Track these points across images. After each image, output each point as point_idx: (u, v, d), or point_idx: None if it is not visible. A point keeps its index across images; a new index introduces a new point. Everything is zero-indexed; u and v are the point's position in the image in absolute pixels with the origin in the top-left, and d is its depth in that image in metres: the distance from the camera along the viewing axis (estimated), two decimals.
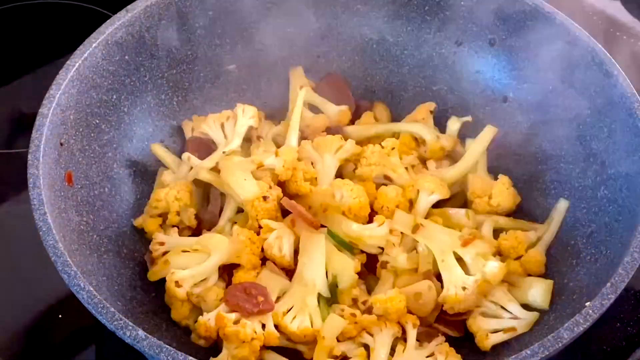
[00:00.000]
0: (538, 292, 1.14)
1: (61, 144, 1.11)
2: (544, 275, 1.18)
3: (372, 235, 1.16)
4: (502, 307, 1.14)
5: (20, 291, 1.23)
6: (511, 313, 1.13)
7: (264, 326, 1.08)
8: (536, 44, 1.28)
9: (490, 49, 1.34)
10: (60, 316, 1.20)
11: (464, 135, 1.34)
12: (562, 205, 1.23)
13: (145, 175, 1.28)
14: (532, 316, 1.12)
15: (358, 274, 1.14)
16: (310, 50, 1.38)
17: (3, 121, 1.49)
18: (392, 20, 1.37)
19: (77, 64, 1.14)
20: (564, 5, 1.31)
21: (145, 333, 0.91)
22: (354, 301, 1.13)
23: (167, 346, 0.90)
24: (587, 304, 0.97)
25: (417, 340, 1.10)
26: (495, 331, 1.12)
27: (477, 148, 1.29)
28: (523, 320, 1.12)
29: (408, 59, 1.39)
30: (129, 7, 1.23)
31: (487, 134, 1.30)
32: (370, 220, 1.19)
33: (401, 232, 1.17)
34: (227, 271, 1.16)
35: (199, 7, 1.29)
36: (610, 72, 1.18)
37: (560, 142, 1.26)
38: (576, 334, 0.94)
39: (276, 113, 1.36)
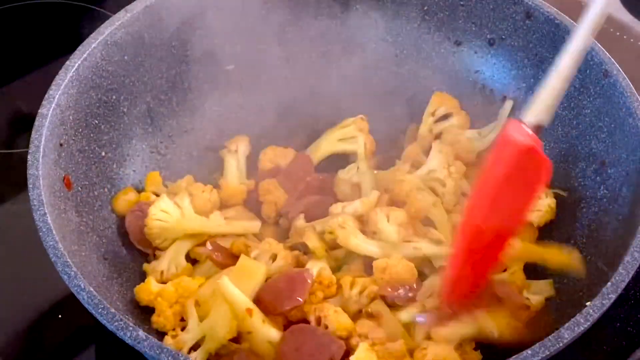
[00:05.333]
0: None
1: (61, 145, 1.11)
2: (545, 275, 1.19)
3: None
4: None
5: (20, 291, 1.23)
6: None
7: None
8: (536, 43, 1.28)
9: (490, 49, 1.34)
10: (60, 316, 1.20)
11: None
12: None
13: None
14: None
15: None
16: (310, 50, 1.38)
17: (3, 121, 1.49)
18: (392, 20, 1.37)
19: (77, 64, 1.14)
20: (564, 5, 1.31)
21: (146, 334, 0.91)
22: None
23: (167, 347, 0.90)
24: (588, 304, 0.97)
25: None
26: None
27: None
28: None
29: (408, 59, 1.39)
30: (128, 7, 1.23)
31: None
32: None
33: None
34: None
35: (199, 7, 1.29)
36: (610, 72, 1.17)
37: (559, 141, 1.26)
38: (577, 334, 0.94)
39: (275, 115, 1.35)
